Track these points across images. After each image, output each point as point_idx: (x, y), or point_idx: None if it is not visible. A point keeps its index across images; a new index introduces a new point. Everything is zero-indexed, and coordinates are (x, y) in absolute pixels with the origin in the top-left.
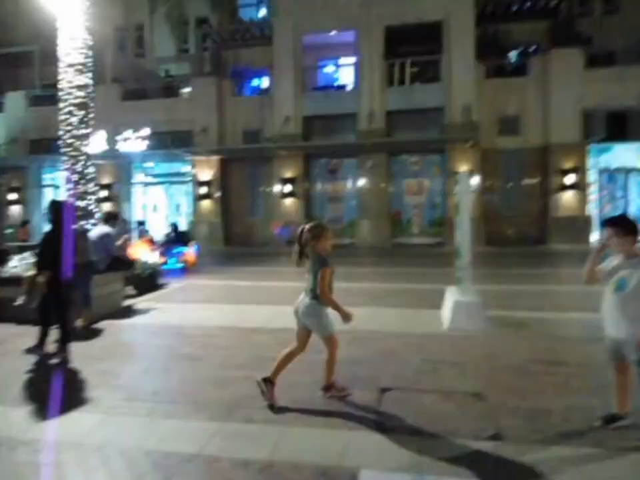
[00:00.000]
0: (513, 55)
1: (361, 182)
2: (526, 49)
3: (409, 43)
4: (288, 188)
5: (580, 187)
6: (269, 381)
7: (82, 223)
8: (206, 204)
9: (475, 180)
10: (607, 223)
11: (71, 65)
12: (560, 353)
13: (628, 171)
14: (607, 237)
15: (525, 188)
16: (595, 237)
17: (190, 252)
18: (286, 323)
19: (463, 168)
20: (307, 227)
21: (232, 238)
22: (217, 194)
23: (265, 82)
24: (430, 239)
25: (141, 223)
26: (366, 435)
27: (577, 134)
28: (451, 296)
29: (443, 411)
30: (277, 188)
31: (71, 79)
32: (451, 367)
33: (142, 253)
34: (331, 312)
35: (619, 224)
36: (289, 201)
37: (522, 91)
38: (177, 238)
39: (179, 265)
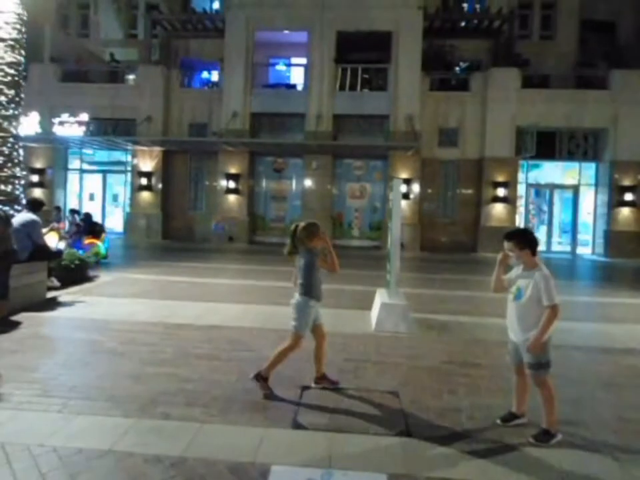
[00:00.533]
0: (458, 70)
1: (305, 182)
2: (469, 66)
3: (360, 50)
4: (232, 184)
5: (510, 199)
6: (322, 378)
7: (6, 208)
8: (145, 195)
9: (415, 188)
10: (506, 236)
11: (1, 40)
12: (475, 355)
13: (554, 187)
14: (507, 249)
15: (461, 197)
16: None
17: (99, 244)
18: (216, 320)
19: (404, 175)
20: (302, 224)
21: (171, 232)
22: (158, 186)
23: (214, 75)
24: (369, 242)
25: (75, 212)
26: (281, 431)
27: (510, 149)
28: (380, 298)
29: (359, 409)
30: (221, 183)
31: (1, 54)
32: (373, 366)
33: (50, 242)
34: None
35: (516, 238)
36: (232, 197)
37: (462, 105)
38: (87, 229)
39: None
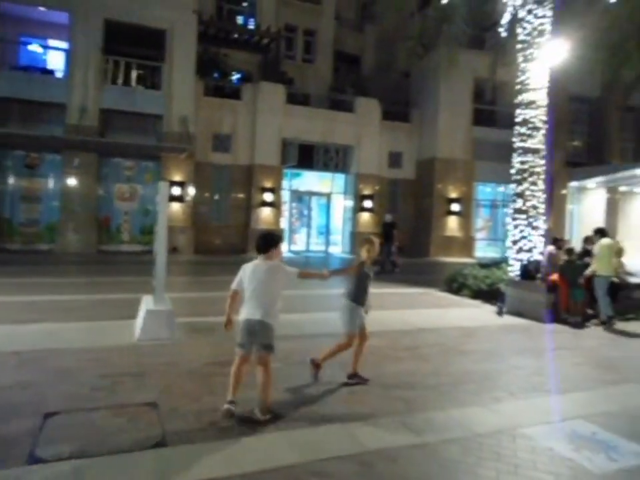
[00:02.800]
0: (233, 80)
1: (65, 181)
2: (242, 76)
3: (132, 44)
4: None
5: (275, 204)
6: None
7: None
8: None
9: (189, 191)
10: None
11: None
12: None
13: (312, 194)
14: None
15: (233, 201)
16: (285, 246)
17: None
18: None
19: (178, 178)
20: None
21: None
22: None
23: None
24: (140, 246)
25: None
26: (17, 471)
27: (276, 158)
28: (145, 305)
29: (113, 427)
30: None
31: None
32: (132, 378)
33: None
34: None
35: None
36: None
37: (235, 113)
38: None
39: None
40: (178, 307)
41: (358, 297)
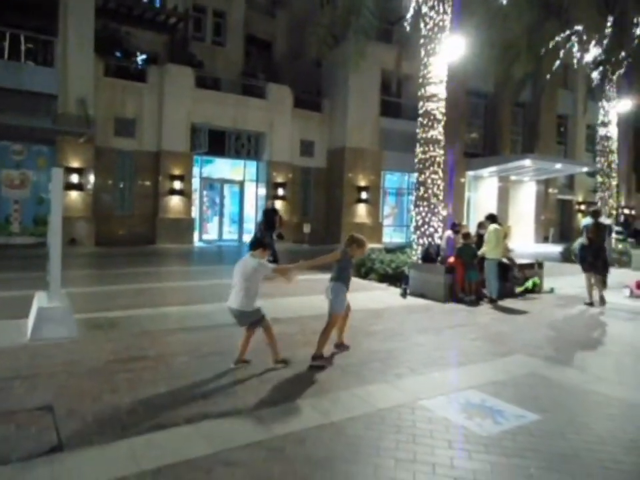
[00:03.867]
0: (137, 61)
1: None
2: (147, 57)
3: (19, 13)
4: None
5: (185, 192)
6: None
7: None
8: None
9: (89, 178)
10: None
11: None
12: (141, 348)
13: (224, 182)
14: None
15: (138, 189)
16: (196, 236)
17: None
18: None
19: (75, 164)
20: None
21: None
22: None
23: None
24: (34, 238)
25: None
26: None
27: (185, 144)
28: (38, 302)
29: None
30: None
31: None
32: (23, 382)
33: None
34: None
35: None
36: None
37: (139, 96)
38: None
39: None
40: (76, 302)
41: (345, 280)
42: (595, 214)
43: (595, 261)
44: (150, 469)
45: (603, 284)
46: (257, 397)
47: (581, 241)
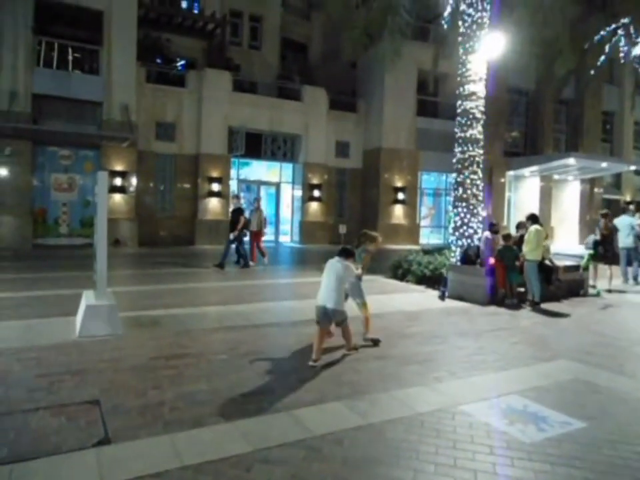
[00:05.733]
0: (176, 66)
1: None
2: (186, 62)
3: (67, 25)
4: None
5: (223, 194)
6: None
7: None
8: None
9: (132, 181)
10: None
11: None
12: (183, 346)
13: (260, 183)
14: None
15: (179, 192)
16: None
17: None
18: None
19: (119, 168)
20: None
21: None
22: None
23: None
24: (81, 239)
25: None
26: None
27: (222, 147)
28: (85, 300)
29: (51, 428)
30: None
31: None
32: (72, 377)
33: None
34: None
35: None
36: None
37: (179, 100)
38: None
39: None
40: (121, 301)
41: (360, 277)
42: (605, 216)
43: (606, 252)
44: (192, 464)
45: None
46: (295, 396)
47: (594, 236)
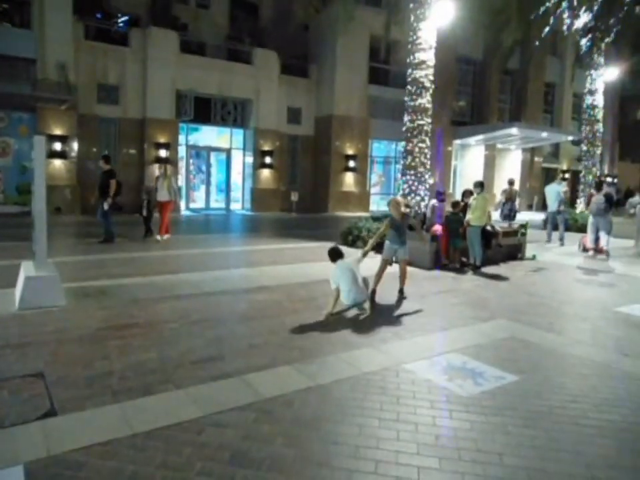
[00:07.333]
0: (118, 23)
1: None
2: (129, 19)
3: None
4: None
5: (171, 160)
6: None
7: None
8: None
9: (72, 146)
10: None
11: None
12: (131, 316)
13: (210, 150)
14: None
15: (124, 158)
16: (183, 205)
17: None
18: None
19: (58, 131)
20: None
21: None
22: None
23: None
24: (18, 207)
25: None
26: None
27: (170, 112)
28: (25, 271)
29: None
30: None
31: None
32: (14, 350)
33: None
34: None
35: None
36: None
37: (122, 61)
38: None
39: None
40: (63, 271)
41: (393, 240)
42: (511, 183)
43: (510, 212)
44: (142, 431)
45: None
46: (245, 361)
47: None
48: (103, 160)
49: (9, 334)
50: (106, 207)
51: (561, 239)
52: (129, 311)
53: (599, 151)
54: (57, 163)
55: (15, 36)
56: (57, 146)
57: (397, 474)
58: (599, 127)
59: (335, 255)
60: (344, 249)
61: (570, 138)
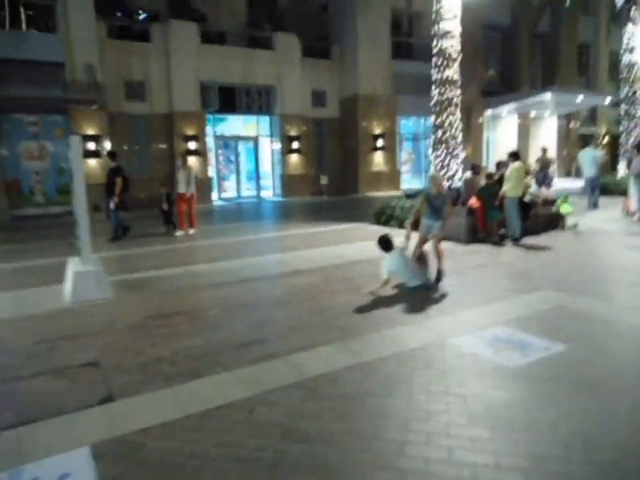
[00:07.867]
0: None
1: None
2: (148, 15)
3: None
4: None
5: (200, 152)
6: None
7: None
8: None
9: (105, 145)
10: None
11: None
12: (174, 305)
13: (238, 139)
14: None
15: (155, 152)
16: (215, 195)
17: None
18: None
19: (90, 131)
20: None
21: None
22: None
23: None
24: (59, 208)
25: None
26: None
27: (195, 103)
28: (72, 267)
29: (53, 391)
30: None
31: None
32: (68, 342)
33: None
34: None
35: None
36: None
37: (146, 57)
38: None
39: None
40: (108, 265)
41: (428, 216)
42: (544, 151)
43: (544, 178)
44: (196, 412)
45: None
46: (287, 343)
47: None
48: (109, 156)
49: (63, 326)
50: (112, 205)
51: (595, 203)
52: (171, 300)
53: (639, 112)
54: (92, 162)
55: (41, 41)
56: (91, 145)
57: (449, 444)
58: (639, 86)
59: (386, 245)
60: (377, 228)
61: (608, 100)
